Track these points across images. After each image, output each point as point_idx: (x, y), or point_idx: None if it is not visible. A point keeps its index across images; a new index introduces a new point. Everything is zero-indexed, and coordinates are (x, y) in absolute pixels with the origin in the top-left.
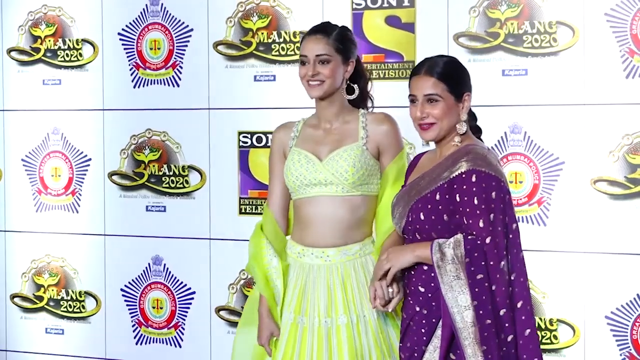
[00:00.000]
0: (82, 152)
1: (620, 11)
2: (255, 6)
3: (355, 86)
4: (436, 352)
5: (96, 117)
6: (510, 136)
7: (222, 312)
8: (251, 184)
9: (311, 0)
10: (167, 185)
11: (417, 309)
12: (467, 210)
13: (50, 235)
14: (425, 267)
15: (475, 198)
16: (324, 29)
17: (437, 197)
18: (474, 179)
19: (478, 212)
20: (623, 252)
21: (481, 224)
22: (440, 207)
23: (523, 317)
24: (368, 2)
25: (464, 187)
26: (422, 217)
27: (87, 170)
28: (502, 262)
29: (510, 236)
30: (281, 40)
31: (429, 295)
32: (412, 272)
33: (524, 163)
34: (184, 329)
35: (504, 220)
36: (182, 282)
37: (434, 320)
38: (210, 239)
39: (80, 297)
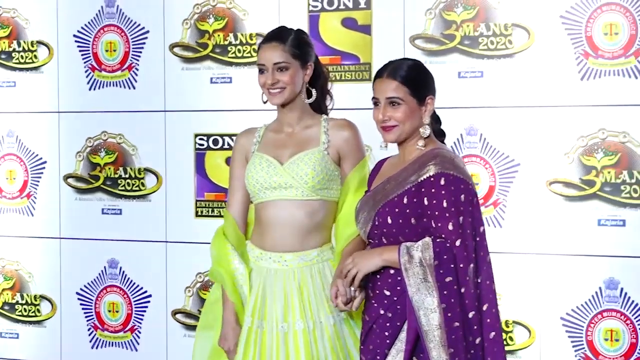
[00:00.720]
0: (37, 155)
1: (575, 13)
2: (212, 8)
3: (314, 90)
4: (399, 356)
5: (51, 120)
6: (466, 138)
7: (178, 315)
8: (207, 186)
9: (267, 2)
10: (123, 188)
11: (382, 312)
12: (436, 213)
13: (4, 239)
14: (392, 271)
15: (445, 201)
16: (279, 36)
17: (405, 200)
18: (442, 182)
19: (447, 215)
20: (578, 254)
21: (450, 227)
22: (407, 210)
23: (488, 320)
24: (324, 4)
25: (433, 190)
26: (389, 220)
27: (42, 173)
28: (471, 265)
29: (478, 239)
30: (237, 42)
31: (395, 298)
32: (378, 276)
33: (480, 165)
34: (140, 332)
35: (472, 223)
36: (138, 286)
37: (398, 323)
38: (166, 241)
39: (36, 300)
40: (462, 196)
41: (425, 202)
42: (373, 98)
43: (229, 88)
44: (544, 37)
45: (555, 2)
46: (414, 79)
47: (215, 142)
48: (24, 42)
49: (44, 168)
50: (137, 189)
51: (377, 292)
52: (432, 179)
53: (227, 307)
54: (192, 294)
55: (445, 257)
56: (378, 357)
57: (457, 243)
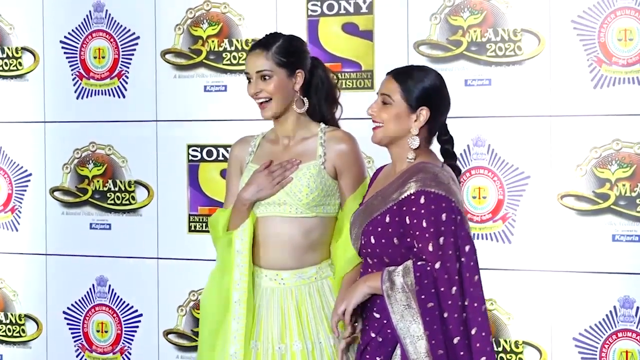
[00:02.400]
0: (22, 167)
1: (587, 18)
2: (206, 13)
3: (305, 100)
4: None
5: (37, 130)
6: (473, 149)
7: (170, 336)
8: (201, 200)
9: (264, 6)
10: (113, 202)
11: (373, 335)
12: (417, 233)
13: None
14: (380, 298)
15: (424, 220)
16: (264, 43)
17: (387, 219)
18: (422, 200)
19: (427, 235)
20: (591, 271)
21: (430, 248)
22: (390, 229)
23: (478, 345)
24: (324, 8)
25: (413, 209)
26: (372, 240)
27: (27, 186)
28: (454, 288)
29: (463, 259)
30: (232, 48)
31: (384, 322)
32: (370, 301)
33: (488, 177)
34: (130, 353)
35: (455, 243)
36: (128, 304)
37: (389, 348)
38: (158, 258)
39: (20, 320)
40: (444, 215)
41: (407, 221)
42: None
43: (223, 96)
44: (555, 43)
45: (566, 7)
46: (412, 86)
47: (209, 153)
48: (8, 48)
49: (29, 181)
50: (127, 202)
51: (368, 314)
52: (412, 197)
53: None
54: (184, 313)
55: (425, 281)
56: None
57: (437, 265)
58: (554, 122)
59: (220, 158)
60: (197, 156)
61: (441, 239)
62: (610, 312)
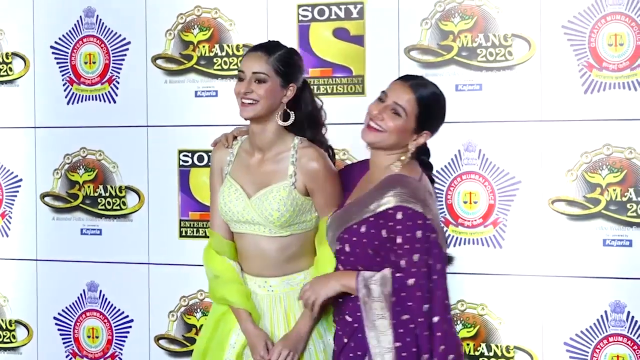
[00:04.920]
0: (12, 172)
1: (578, 23)
2: (196, 18)
3: (292, 113)
4: None
5: (27, 135)
6: (464, 154)
7: (161, 341)
8: (192, 205)
9: (255, 11)
10: (103, 207)
11: (345, 340)
12: (394, 247)
13: None
14: (353, 296)
15: (400, 237)
16: (267, 47)
17: (363, 229)
18: (399, 216)
19: (401, 251)
20: (582, 275)
21: (403, 264)
22: (365, 240)
23: None
24: (315, 13)
25: (390, 223)
26: (347, 248)
27: (17, 191)
28: (425, 306)
29: (435, 277)
30: (223, 53)
31: (355, 325)
32: (340, 300)
33: (479, 182)
34: (121, 359)
35: (427, 261)
36: (119, 310)
37: (359, 353)
38: (149, 263)
39: (11, 326)
40: (419, 232)
41: (383, 235)
42: (382, 92)
43: (214, 102)
44: (545, 48)
45: (557, 12)
46: (427, 109)
47: (200, 158)
48: None
49: (19, 186)
50: (117, 208)
51: (340, 317)
52: (390, 211)
53: (241, 317)
54: (176, 319)
55: (403, 294)
56: None
57: (410, 282)
58: (545, 127)
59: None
60: (188, 161)
61: (415, 256)
62: (602, 316)
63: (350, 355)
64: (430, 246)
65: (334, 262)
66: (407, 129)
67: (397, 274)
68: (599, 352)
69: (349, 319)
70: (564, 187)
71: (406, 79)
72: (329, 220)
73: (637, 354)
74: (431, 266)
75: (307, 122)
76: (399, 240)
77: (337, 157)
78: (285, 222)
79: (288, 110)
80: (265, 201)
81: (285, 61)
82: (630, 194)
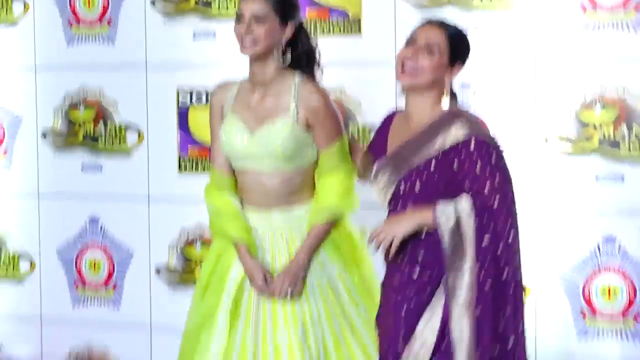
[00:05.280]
0: (12, 112)
1: None
2: None
3: (289, 52)
4: (434, 319)
5: (28, 76)
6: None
7: (161, 273)
8: (191, 142)
9: None
10: (103, 145)
11: (415, 276)
12: (471, 177)
13: None
14: (424, 234)
15: (477, 165)
16: None
17: (432, 167)
18: (472, 146)
19: (482, 178)
20: (575, 211)
21: (487, 189)
22: (436, 177)
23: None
24: None
25: (463, 155)
26: (417, 188)
27: (18, 130)
28: (511, 230)
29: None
30: None
31: (429, 260)
32: (411, 239)
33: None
34: (122, 289)
35: (507, 186)
36: (120, 243)
37: (429, 288)
38: (148, 197)
39: (14, 259)
40: (495, 160)
41: (455, 168)
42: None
43: (212, 43)
44: None
45: None
46: (458, 43)
47: (199, 97)
48: None
49: (20, 124)
50: (117, 145)
51: (408, 256)
52: (462, 143)
53: (240, 250)
54: (176, 251)
55: (486, 216)
56: (405, 322)
57: (495, 205)
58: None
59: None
60: (186, 101)
61: (496, 182)
62: (594, 249)
63: (420, 288)
64: (507, 173)
65: (336, 194)
66: (442, 64)
67: (478, 198)
68: (591, 283)
69: (420, 258)
70: (559, 125)
71: (431, 22)
72: (376, 166)
73: (627, 285)
74: (511, 192)
75: (304, 61)
76: (476, 168)
77: (333, 97)
78: (288, 156)
79: (285, 49)
80: (268, 136)
81: (282, 0)
82: (623, 130)
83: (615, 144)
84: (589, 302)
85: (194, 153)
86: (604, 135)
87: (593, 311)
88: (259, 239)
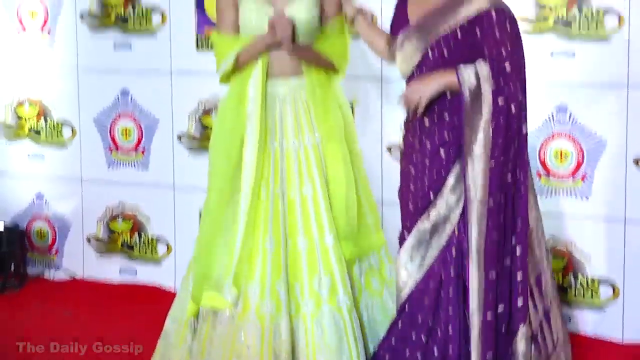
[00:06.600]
0: None
1: None
2: None
3: None
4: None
5: None
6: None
7: (183, 139)
8: (207, 22)
9: None
10: (132, 26)
11: (446, 138)
12: (490, 42)
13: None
14: (449, 96)
15: (497, 32)
16: None
17: (459, 35)
18: (494, 16)
19: (498, 43)
20: (534, 85)
21: (503, 52)
22: (463, 44)
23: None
24: None
25: (485, 24)
26: (445, 54)
27: (60, 10)
28: (520, 88)
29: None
30: None
31: (455, 122)
32: (436, 101)
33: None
34: (150, 153)
35: (520, 53)
36: (147, 112)
37: (453, 142)
38: (171, 72)
39: (58, 126)
40: (510, 27)
41: (478, 35)
42: None
43: None
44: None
45: None
46: None
47: None
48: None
49: (62, 6)
50: (144, 25)
51: (436, 118)
52: (484, 12)
53: (251, 42)
54: (195, 120)
55: (501, 77)
56: (437, 175)
57: (508, 69)
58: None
59: None
60: None
61: (510, 48)
62: (549, 117)
63: (450, 150)
64: (520, 39)
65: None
66: None
67: (495, 63)
68: (546, 146)
69: (447, 119)
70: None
71: None
72: (401, 36)
73: (576, 149)
74: (522, 57)
75: None
76: (495, 35)
77: None
78: (308, 30)
79: None
80: (295, 10)
81: None
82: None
83: (567, 24)
84: (543, 164)
85: (210, 32)
86: (558, 16)
87: (547, 172)
88: (280, 106)
